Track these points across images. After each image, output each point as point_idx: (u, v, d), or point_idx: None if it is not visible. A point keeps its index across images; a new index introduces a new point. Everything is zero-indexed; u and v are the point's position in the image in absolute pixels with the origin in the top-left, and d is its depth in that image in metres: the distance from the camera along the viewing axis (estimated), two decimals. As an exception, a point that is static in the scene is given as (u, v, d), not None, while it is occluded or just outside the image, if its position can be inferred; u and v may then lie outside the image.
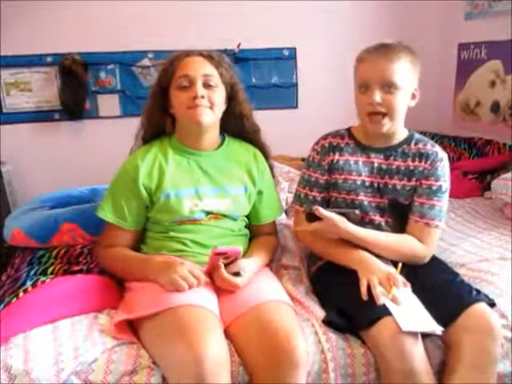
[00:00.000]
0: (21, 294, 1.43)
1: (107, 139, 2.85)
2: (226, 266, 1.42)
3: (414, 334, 1.29)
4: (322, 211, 1.38)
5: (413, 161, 1.54)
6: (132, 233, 1.54)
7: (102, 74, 2.99)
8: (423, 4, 3.23)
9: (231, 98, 1.56)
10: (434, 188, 1.51)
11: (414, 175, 1.53)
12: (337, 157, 1.56)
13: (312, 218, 1.42)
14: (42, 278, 1.52)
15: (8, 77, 2.88)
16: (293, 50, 3.22)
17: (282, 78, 3.24)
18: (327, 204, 1.60)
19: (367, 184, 1.54)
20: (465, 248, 1.83)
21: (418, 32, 3.19)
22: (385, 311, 1.31)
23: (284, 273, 1.65)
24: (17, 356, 1.23)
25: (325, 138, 1.61)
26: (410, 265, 1.52)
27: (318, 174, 1.58)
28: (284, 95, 3.26)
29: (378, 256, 1.47)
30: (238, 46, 3.03)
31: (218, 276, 1.40)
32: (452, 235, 1.93)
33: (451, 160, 2.82)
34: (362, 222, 1.54)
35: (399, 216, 1.56)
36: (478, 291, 1.44)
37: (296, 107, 3.30)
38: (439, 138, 2.98)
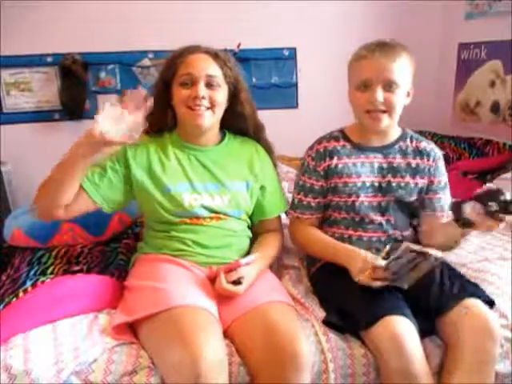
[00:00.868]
0: (21, 294, 1.43)
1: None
2: (227, 273, 1.42)
3: (413, 335, 1.29)
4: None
5: (414, 158, 1.55)
6: (89, 200, 1.45)
7: (102, 74, 2.99)
8: (423, 4, 3.23)
9: (233, 97, 1.54)
10: (443, 184, 1.59)
11: (418, 173, 1.55)
12: (334, 161, 1.54)
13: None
14: (42, 278, 1.52)
15: (8, 77, 2.88)
16: (293, 50, 3.22)
17: (281, 78, 3.24)
18: (324, 209, 1.60)
19: (368, 184, 1.54)
20: (465, 248, 1.83)
21: (418, 32, 3.20)
22: (384, 311, 1.31)
23: (284, 273, 1.65)
24: (17, 356, 1.23)
25: (319, 142, 1.58)
26: None
27: (313, 180, 1.57)
28: (284, 95, 3.26)
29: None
30: (238, 46, 3.03)
31: (218, 285, 1.39)
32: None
33: (451, 160, 2.83)
34: (362, 221, 1.55)
35: (403, 213, 1.56)
36: (476, 286, 1.45)
37: (296, 107, 3.30)
38: (439, 138, 2.98)
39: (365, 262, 1.37)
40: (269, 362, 1.23)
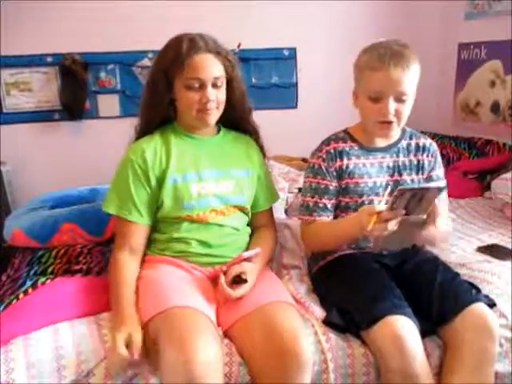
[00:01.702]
0: (21, 296, 1.43)
1: (107, 139, 2.85)
2: (229, 268, 1.42)
3: (414, 334, 1.29)
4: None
5: (415, 155, 1.57)
6: (145, 227, 1.48)
7: (102, 74, 2.99)
8: (423, 4, 3.23)
9: (227, 84, 1.52)
10: (441, 176, 1.60)
11: (421, 169, 1.58)
12: (345, 162, 1.54)
13: None
14: (42, 278, 1.51)
15: (8, 77, 2.88)
16: (293, 50, 3.22)
17: (281, 78, 3.24)
18: (335, 210, 1.59)
19: (378, 184, 1.54)
20: (465, 248, 1.83)
21: (418, 32, 3.20)
22: (385, 311, 1.31)
23: (284, 273, 1.65)
24: (17, 358, 1.23)
25: (327, 144, 1.57)
26: (410, 264, 1.53)
27: (327, 181, 1.54)
28: (284, 95, 3.26)
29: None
30: (238, 46, 3.03)
31: (220, 288, 1.39)
32: (452, 235, 1.93)
33: (451, 160, 2.83)
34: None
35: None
36: (478, 291, 1.45)
37: (296, 107, 3.30)
38: (439, 138, 2.98)
39: (369, 214, 1.31)
40: (270, 361, 1.23)
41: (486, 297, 1.44)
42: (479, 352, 1.31)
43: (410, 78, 1.42)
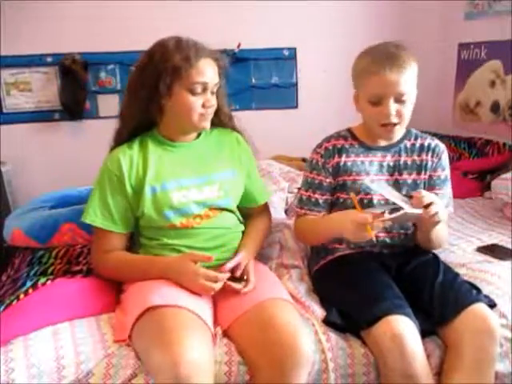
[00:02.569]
0: (21, 296, 1.43)
1: (107, 139, 2.84)
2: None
3: (414, 335, 1.29)
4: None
5: (419, 155, 1.58)
6: (123, 235, 1.51)
7: (102, 74, 3.00)
8: (423, 4, 3.23)
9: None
10: (443, 177, 1.59)
11: (423, 169, 1.57)
12: (343, 159, 1.56)
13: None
14: (42, 279, 1.51)
15: (8, 77, 2.88)
16: (293, 50, 3.22)
17: (282, 78, 3.24)
18: (331, 206, 1.60)
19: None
20: (465, 248, 1.83)
21: (418, 32, 3.20)
22: (385, 311, 1.31)
23: (284, 272, 1.65)
24: (17, 358, 1.23)
25: (328, 140, 1.59)
26: (411, 264, 1.53)
27: (322, 177, 1.57)
28: (284, 95, 3.26)
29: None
30: (238, 46, 3.03)
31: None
32: (452, 235, 1.93)
33: (451, 160, 2.82)
34: None
35: None
36: (479, 291, 1.45)
37: (296, 107, 3.30)
38: (439, 138, 2.94)
39: (361, 224, 1.35)
40: (268, 358, 1.23)
41: (487, 297, 1.44)
42: (479, 352, 1.31)
43: (407, 77, 1.43)
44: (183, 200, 1.47)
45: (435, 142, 1.61)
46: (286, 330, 1.25)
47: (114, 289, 1.52)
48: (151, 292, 1.33)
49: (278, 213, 2.07)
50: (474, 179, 2.59)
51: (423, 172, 1.57)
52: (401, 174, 1.56)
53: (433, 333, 1.38)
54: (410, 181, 1.56)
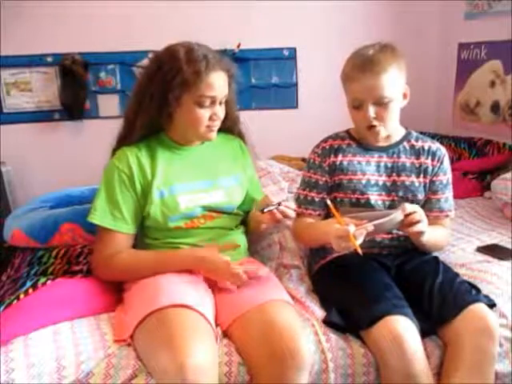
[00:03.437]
0: (21, 296, 1.43)
1: (107, 139, 2.84)
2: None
3: (414, 335, 1.29)
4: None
5: (417, 158, 1.58)
6: (131, 236, 1.49)
7: (102, 74, 2.99)
8: (423, 4, 3.23)
9: None
10: (445, 182, 1.60)
11: (422, 172, 1.57)
12: (340, 158, 1.57)
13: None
14: (42, 279, 1.51)
15: (8, 77, 2.88)
16: (293, 50, 3.22)
17: (282, 78, 3.24)
18: (326, 205, 1.60)
19: (373, 182, 1.55)
20: (465, 248, 1.83)
21: (417, 32, 3.20)
22: (385, 311, 1.31)
23: (284, 272, 1.65)
24: (17, 358, 1.23)
25: (325, 141, 1.62)
26: (410, 264, 1.53)
27: (318, 176, 1.59)
28: (284, 95, 3.26)
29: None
30: (238, 46, 3.03)
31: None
32: (452, 235, 1.93)
33: (451, 160, 2.82)
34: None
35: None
36: (478, 291, 1.45)
37: (296, 107, 3.30)
38: (439, 138, 2.98)
39: (341, 237, 1.34)
40: (268, 359, 1.23)
41: (486, 297, 1.44)
42: (479, 352, 1.31)
43: (385, 81, 1.43)
44: (190, 205, 1.48)
45: (436, 145, 1.61)
46: (286, 332, 1.25)
47: (114, 288, 1.52)
48: (155, 292, 1.33)
49: (277, 213, 2.07)
50: (474, 179, 2.59)
51: (423, 175, 1.57)
52: (399, 176, 1.56)
53: (433, 333, 1.39)
54: (407, 183, 1.56)
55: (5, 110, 2.91)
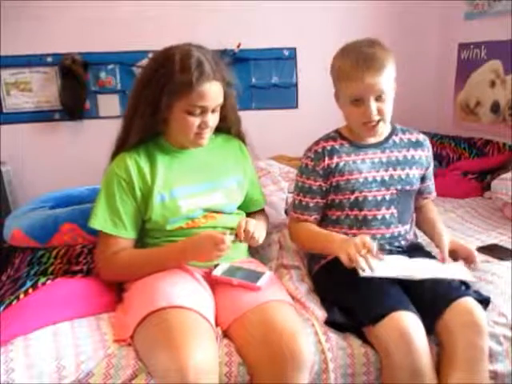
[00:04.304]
0: (21, 296, 1.43)
1: (107, 139, 2.84)
2: None
3: (420, 331, 1.30)
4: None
5: (408, 150, 1.61)
6: (132, 240, 1.50)
7: (102, 74, 2.99)
8: (423, 4, 3.23)
9: (223, 100, 1.50)
10: (431, 169, 1.68)
11: (415, 163, 1.60)
12: (335, 160, 1.56)
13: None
14: (42, 279, 1.51)
15: (8, 77, 2.88)
16: (293, 50, 3.22)
17: (282, 78, 3.24)
18: (325, 209, 1.62)
19: (370, 180, 1.56)
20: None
21: (417, 32, 3.20)
22: (392, 307, 1.31)
23: (284, 272, 1.65)
24: (17, 358, 1.23)
25: (317, 143, 1.61)
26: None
27: (312, 181, 1.58)
28: (284, 95, 3.26)
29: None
30: (238, 46, 3.03)
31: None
32: (452, 235, 1.93)
33: (451, 160, 2.83)
34: (365, 219, 1.56)
35: (405, 203, 1.61)
36: (468, 287, 1.45)
37: (296, 107, 3.30)
38: (439, 138, 2.98)
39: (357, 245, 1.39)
40: (268, 359, 1.23)
41: (476, 292, 1.44)
42: (470, 348, 1.31)
43: (385, 77, 1.46)
44: (191, 208, 1.49)
45: (421, 135, 1.66)
46: (286, 332, 1.25)
47: (114, 288, 1.52)
48: (155, 293, 1.33)
49: (278, 213, 2.07)
50: (474, 179, 2.59)
51: (419, 168, 1.61)
52: (395, 169, 1.58)
53: (431, 332, 1.38)
54: (404, 175, 1.59)
55: (5, 110, 2.91)
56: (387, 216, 1.57)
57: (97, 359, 1.25)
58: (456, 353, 1.31)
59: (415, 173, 1.60)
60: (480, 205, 2.36)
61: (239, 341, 1.32)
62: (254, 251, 1.76)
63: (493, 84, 2.86)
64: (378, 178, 1.57)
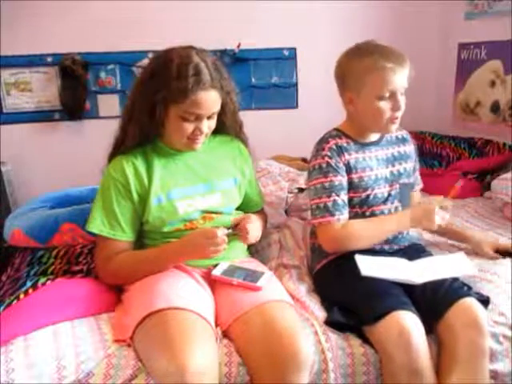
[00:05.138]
0: (21, 296, 1.43)
1: (107, 139, 2.84)
2: None
3: (420, 331, 1.30)
4: None
5: (399, 146, 1.66)
6: (131, 242, 1.50)
7: (102, 74, 2.99)
8: (423, 4, 3.23)
9: (221, 107, 1.50)
10: (417, 159, 1.74)
11: (407, 157, 1.66)
12: (347, 157, 1.55)
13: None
14: (42, 279, 1.51)
15: (8, 77, 2.88)
16: (293, 50, 3.22)
17: (282, 78, 3.24)
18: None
19: (379, 176, 1.58)
20: (464, 248, 1.82)
21: (417, 32, 3.20)
22: (392, 306, 1.32)
23: (284, 272, 1.65)
24: (17, 358, 1.23)
25: (327, 141, 1.56)
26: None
27: (341, 176, 1.52)
28: (284, 95, 3.26)
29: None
30: (238, 46, 3.03)
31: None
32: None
33: (451, 160, 2.83)
34: (372, 215, 1.57)
35: (406, 196, 1.65)
36: (470, 287, 1.46)
37: (296, 107, 3.30)
38: (439, 138, 2.98)
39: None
40: (268, 360, 1.23)
41: (478, 293, 1.44)
42: (471, 347, 1.32)
43: (408, 71, 1.50)
44: (189, 209, 1.49)
45: (404, 131, 1.70)
46: (286, 333, 1.25)
47: (114, 288, 1.52)
48: (154, 294, 1.33)
49: (278, 213, 2.07)
50: (474, 179, 2.59)
51: (410, 161, 1.67)
52: (394, 165, 1.62)
53: (430, 332, 1.38)
54: (402, 170, 1.64)
55: (5, 110, 2.91)
56: (393, 210, 1.59)
57: (97, 359, 1.25)
58: (457, 352, 1.32)
59: (410, 166, 1.66)
60: (480, 205, 2.35)
61: (239, 341, 1.32)
62: (254, 251, 1.76)
63: (493, 84, 2.86)
64: (384, 175, 1.59)
